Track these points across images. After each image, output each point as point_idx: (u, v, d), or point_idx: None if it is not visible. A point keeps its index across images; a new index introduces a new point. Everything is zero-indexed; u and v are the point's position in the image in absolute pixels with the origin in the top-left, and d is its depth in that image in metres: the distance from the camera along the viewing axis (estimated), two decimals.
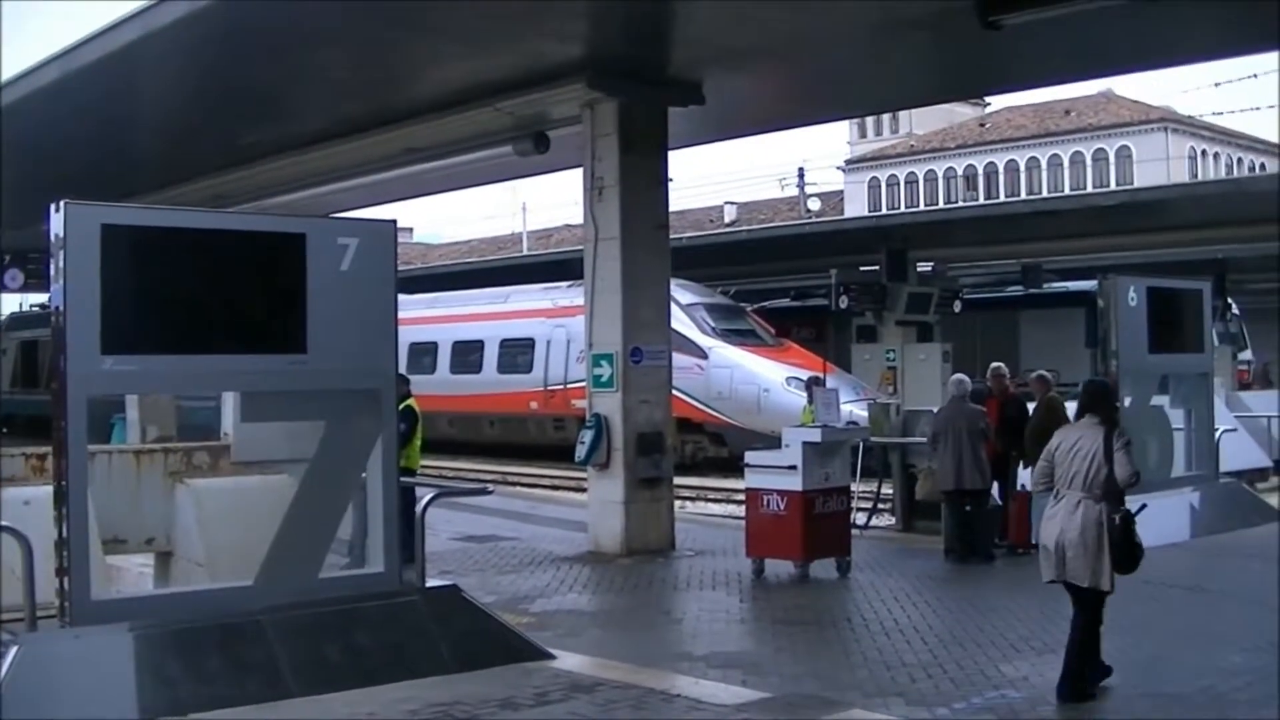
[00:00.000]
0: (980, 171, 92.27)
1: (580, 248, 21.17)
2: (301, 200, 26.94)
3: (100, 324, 10.15)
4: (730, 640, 13.15)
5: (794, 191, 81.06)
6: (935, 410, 18.89)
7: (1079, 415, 11.12)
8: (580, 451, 18.81)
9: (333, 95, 21.76)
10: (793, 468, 16.10)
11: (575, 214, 26.49)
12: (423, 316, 40.45)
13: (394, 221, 12.13)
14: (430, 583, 12.38)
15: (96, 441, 12.45)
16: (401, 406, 17.22)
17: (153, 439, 27.86)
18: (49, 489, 10.84)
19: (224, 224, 12.18)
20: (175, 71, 20.93)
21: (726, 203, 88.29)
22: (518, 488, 31.51)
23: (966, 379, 18.19)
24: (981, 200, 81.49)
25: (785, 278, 44.38)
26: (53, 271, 10.25)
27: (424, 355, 40.98)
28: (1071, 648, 10.57)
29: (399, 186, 27.88)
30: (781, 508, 16.10)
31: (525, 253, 72.88)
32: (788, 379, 33.49)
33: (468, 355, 41.86)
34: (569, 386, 36.77)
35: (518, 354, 40.13)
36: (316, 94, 21.89)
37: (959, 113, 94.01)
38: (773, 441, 18.48)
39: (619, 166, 18.82)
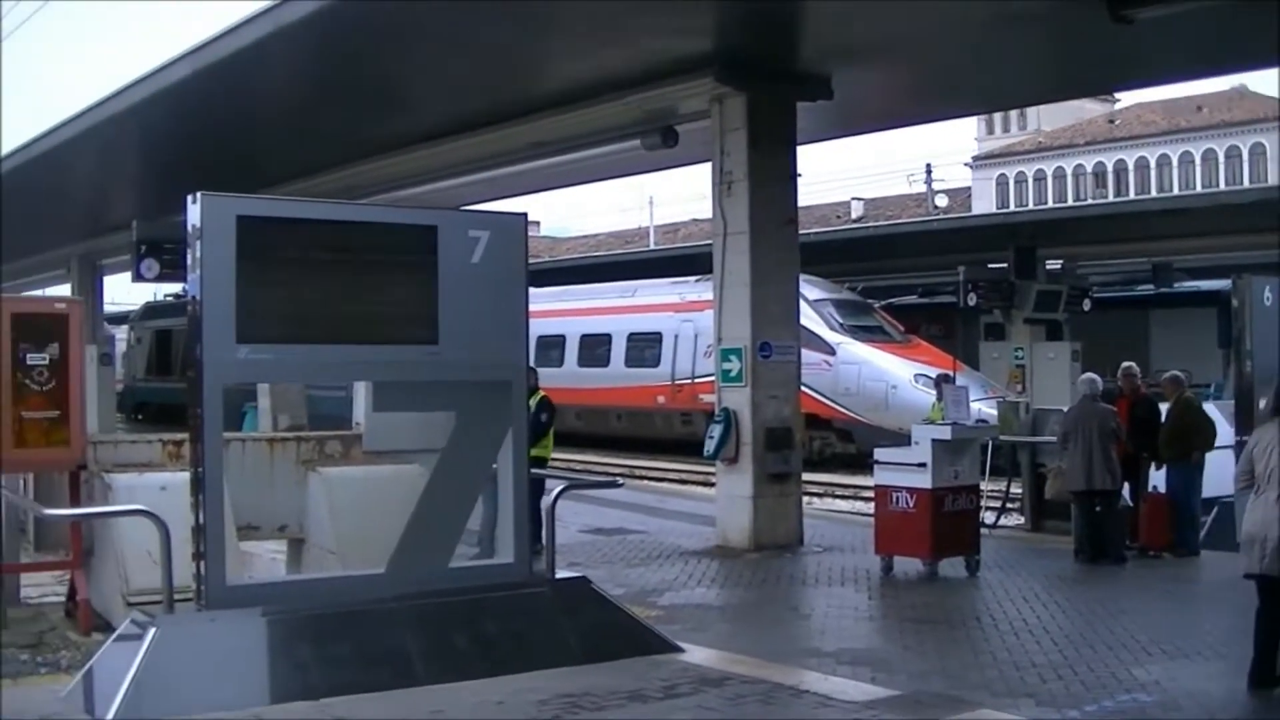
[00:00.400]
0: (1110, 168, 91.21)
1: (708, 242, 21.15)
2: (430, 193, 27.10)
3: (235, 313, 10.25)
4: (859, 637, 13.08)
5: (922, 188, 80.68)
6: (1065, 409, 18.65)
7: (1273, 414, 11.10)
8: (709, 446, 18.77)
9: (460, 90, 21.90)
10: (922, 465, 15.98)
11: (702, 208, 26.62)
12: (551, 310, 40.58)
13: (525, 215, 12.14)
14: (559, 574, 12.39)
15: (229, 429, 12.58)
16: (539, 398, 17.33)
17: (284, 427, 28.27)
18: (185, 475, 11.01)
19: (357, 216, 12.24)
20: (303, 67, 21.16)
21: (853, 198, 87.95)
22: (644, 481, 31.56)
23: (1098, 378, 17.96)
24: (1111, 198, 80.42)
25: (912, 274, 44.11)
26: (189, 262, 10.35)
27: (552, 348, 41.15)
28: (1261, 637, 10.51)
29: (526, 180, 27.99)
30: (910, 505, 15.99)
31: (652, 247, 72.93)
32: (916, 376, 33.32)
33: (595, 349, 42.02)
34: (696, 381, 36.81)
35: (645, 348, 40.23)
36: (443, 89, 22.06)
37: (1088, 109, 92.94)
38: (900, 439, 18.37)
39: (748, 161, 18.74)
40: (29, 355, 12.81)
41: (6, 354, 12.72)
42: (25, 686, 11.10)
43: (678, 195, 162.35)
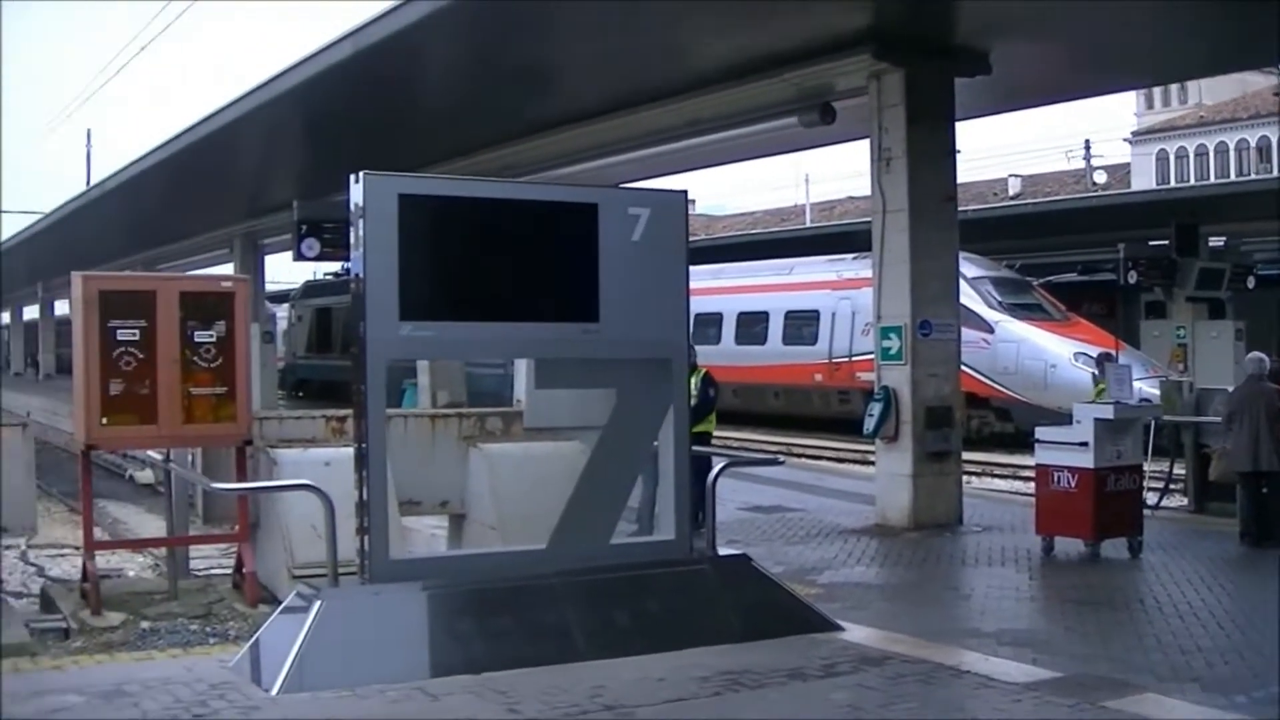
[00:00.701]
0: (1274, 143, 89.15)
1: (864, 219, 21.07)
2: (585, 172, 27.16)
3: (398, 291, 10.35)
4: (1020, 618, 12.96)
5: (1080, 164, 79.58)
6: (1229, 389, 18.31)
7: None
8: (869, 424, 18.69)
9: (615, 68, 21.94)
10: (1084, 444, 15.76)
11: (858, 186, 26.47)
12: (707, 287, 40.56)
13: (685, 192, 12.12)
14: (720, 552, 12.39)
15: (389, 406, 12.76)
16: (702, 375, 17.35)
17: (443, 404, 28.59)
18: (349, 451, 11.16)
19: (518, 194, 12.31)
20: (461, 47, 21.31)
21: (1010, 175, 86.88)
22: (802, 459, 31.48)
23: (1265, 357, 17.60)
24: (1276, 173, 78.73)
25: (1071, 252, 43.60)
26: (352, 240, 10.47)
27: (709, 326, 41.19)
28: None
29: (682, 158, 27.92)
30: (1072, 485, 15.79)
31: (809, 225, 72.64)
32: (1075, 354, 32.92)
33: (752, 327, 42.01)
34: (854, 359, 36.71)
35: (802, 326, 40.15)
36: (599, 67, 22.09)
37: (1251, 82, 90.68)
38: (1059, 418, 18.16)
39: (906, 138, 18.59)
40: (197, 333, 13.06)
41: (176, 332, 12.98)
42: (195, 656, 11.34)
43: (833, 172, 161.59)
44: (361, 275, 10.31)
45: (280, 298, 63.71)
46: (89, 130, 71.99)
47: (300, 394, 55.78)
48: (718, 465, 12.93)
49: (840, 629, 11.63)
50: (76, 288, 13.00)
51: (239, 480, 13.50)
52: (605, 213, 11.29)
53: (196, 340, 13.03)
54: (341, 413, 14.22)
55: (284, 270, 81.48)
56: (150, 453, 15.13)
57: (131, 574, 18.70)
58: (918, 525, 18.00)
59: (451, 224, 10.82)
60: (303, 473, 12.58)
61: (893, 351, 18.55)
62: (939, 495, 18.53)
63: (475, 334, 11.18)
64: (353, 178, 10.37)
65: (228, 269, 46.94)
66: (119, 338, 12.81)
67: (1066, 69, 22.50)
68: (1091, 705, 9.48)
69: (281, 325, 57.38)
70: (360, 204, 10.31)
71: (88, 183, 63.47)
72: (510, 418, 14.64)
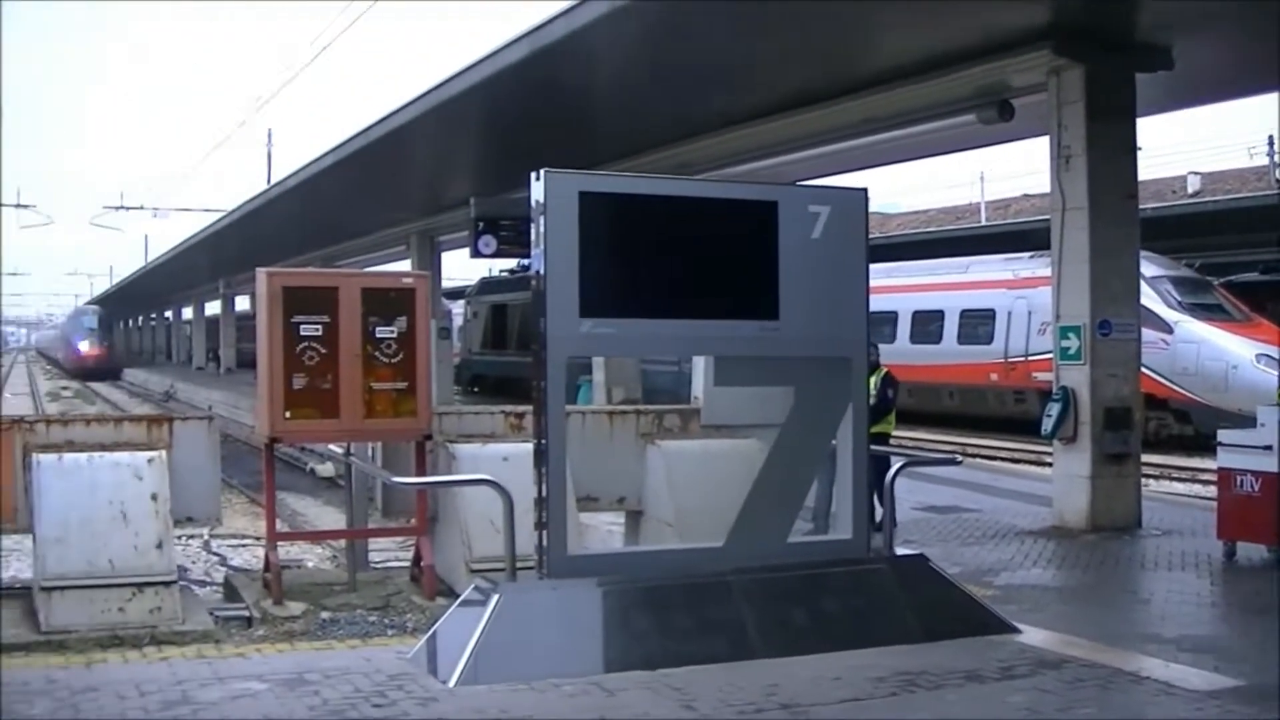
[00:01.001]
0: None
1: (1041, 217, 20.79)
2: (760, 170, 27.09)
3: (579, 288, 10.40)
4: (1200, 624, 12.73)
5: (1263, 160, 77.89)
6: None
7: None
8: (1047, 424, 18.47)
9: (792, 66, 21.87)
10: (1268, 448, 15.42)
11: (1033, 183, 26.19)
12: (882, 286, 40.23)
13: (865, 190, 12.05)
14: (896, 551, 12.32)
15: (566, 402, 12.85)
16: (882, 374, 17.27)
17: (617, 400, 28.74)
18: (527, 446, 11.24)
19: (697, 191, 12.33)
20: (636, 45, 21.36)
21: (1190, 172, 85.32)
22: (976, 459, 31.20)
23: None
24: None
25: (1253, 251, 42.67)
26: (533, 237, 10.53)
27: (883, 325, 40.92)
28: None
29: (857, 156, 27.72)
30: (1255, 489, 15.43)
31: (984, 223, 71.92)
32: (1258, 356, 32.31)
33: (927, 325, 41.70)
34: (1030, 359, 36.30)
35: (978, 325, 39.80)
36: (774, 65, 22.04)
37: None
38: (1241, 421, 17.82)
39: (1086, 135, 18.32)
40: (378, 328, 13.23)
41: (358, 327, 13.16)
42: (373, 647, 11.51)
43: (1008, 170, 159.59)
44: (542, 272, 10.37)
45: (456, 294, 64.40)
46: (269, 130, 73.50)
47: (475, 389, 56.30)
48: (896, 464, 12.87)
49: (1017, 631, 11.50)
50: (261, 284, 13.22)
51: (418, 474, 13.66)
52: (785, 210, 11.26)
53: (378, 336, 13.20)
54: (520, 408, 14.33)
55: (458, 267, 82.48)
56: (331, 446, 15.37)
57: (310, 565, 19.04)
58: (1095, 528, 17.74)
59: (631, 221, 10.84)
60: (481, 468, 12.73)
61: (1071, 351, 18.31)
62: (1117, 498, 18.25)
63: (655, 331, 11.19)
64: (533, 175, 10.43)
65: (404, 266, 47.56)
66: (302, 333, 13.02)
67: (1251, 64, 22.02)
68: (1277, 717, 9.29)
69: (457, 321, 58.01)
70: (541, 201, 10.36)
71: (268, 181, 64.60)
72: (688, 415, 14.65)
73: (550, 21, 20.30)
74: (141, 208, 78.33)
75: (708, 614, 10.75)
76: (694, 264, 11.12)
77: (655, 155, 28.04)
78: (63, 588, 12.25)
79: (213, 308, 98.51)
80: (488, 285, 60.17)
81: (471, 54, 23.62)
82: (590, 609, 10.48)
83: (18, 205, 78.35)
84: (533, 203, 10.46)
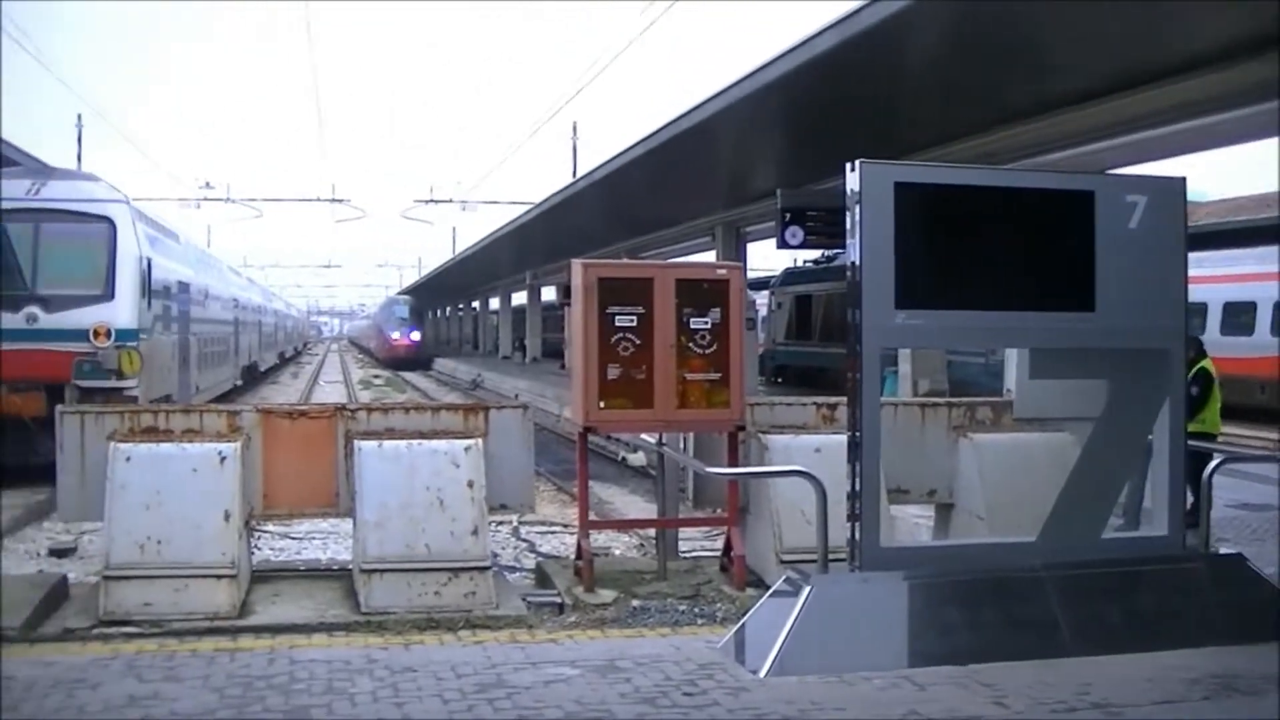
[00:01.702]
0: None
1: None
2: (1069, 158, 26.63)
3: (894, 279, 10.34)
4: None
5: None
6: None
7: None
8: None
9: (1102, 51, 21.42)
10: None
11: None
12: (1191, 276, 39.18)
13: (1183, 179, 11.73)
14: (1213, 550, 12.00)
15: None
16: (1196, 369, 16.83)
17: (923, 392, 28.51)
18: (839, 438, 11.25)
19: (1012, 181, 12.15)
20: (947, 32, 21.16)
21: None
22: None
23: None
24: None
25: None
26: (847, 228, 10.50)
27: (1193, 316, 39.81)
28: None
29: (1170, 143, 27.07)
30: None
31: None
32: None
33: (1238, 317, 40.45)
34: None
35: None
36: (1085, 50, 21.59)
37: None
38: None
39: None
40: (692, 319, 13.30)
41: (672, 318, 13.27)
42: (683, 635, 11.60)
43: None
44: (857, 263, 10.35)
45: (759, 285, 64.50)
46: (574, 123, 74.63)
47: (779, 380, 56.33)
48: (1214, 460, 12.53)
49: None
50: (577, 275, 13.39)
51: (730, 465, 13.72)
52: (1102, 200, 11.03)
53: (692, 326, 13.28)
54: (833, 400, 14.31)
55: (760, 257, 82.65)
56: (643, 436, 15.50)
57: (617, 552, 19.23)
58: None
59: (946, 211, 10.73)
60: (793, 459, 12.74)
61: None
62: None
63: (969, 323, 11.07)
64: (849, 166, 10.40)
65: (709, 257, 47.79)
66: (617, 323, 13.17)
67: None
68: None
69: (761, 312, 58.10)
70: (856, 191, 10.33)
71: (573, 174, 65.56)
72: (1000, 408, 14.46)
73: (860, 10, 20.24)
74: (450, 201, 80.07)
75: (1018, 609, 10.63)
76: (1008, 255, 10.98)
77: (962, 145, 27.78)
78: (381, 570, 12.59)
79: (518, 298, 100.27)
80: (792, 276, 60.17)
81: (778, 44, 23.69)
82: (900, 602, 10.45)
83: (333, 200, 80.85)
84: (847, 192, 10.43)
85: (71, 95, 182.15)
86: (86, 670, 10.12)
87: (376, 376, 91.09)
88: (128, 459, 12.65)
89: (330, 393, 68.50)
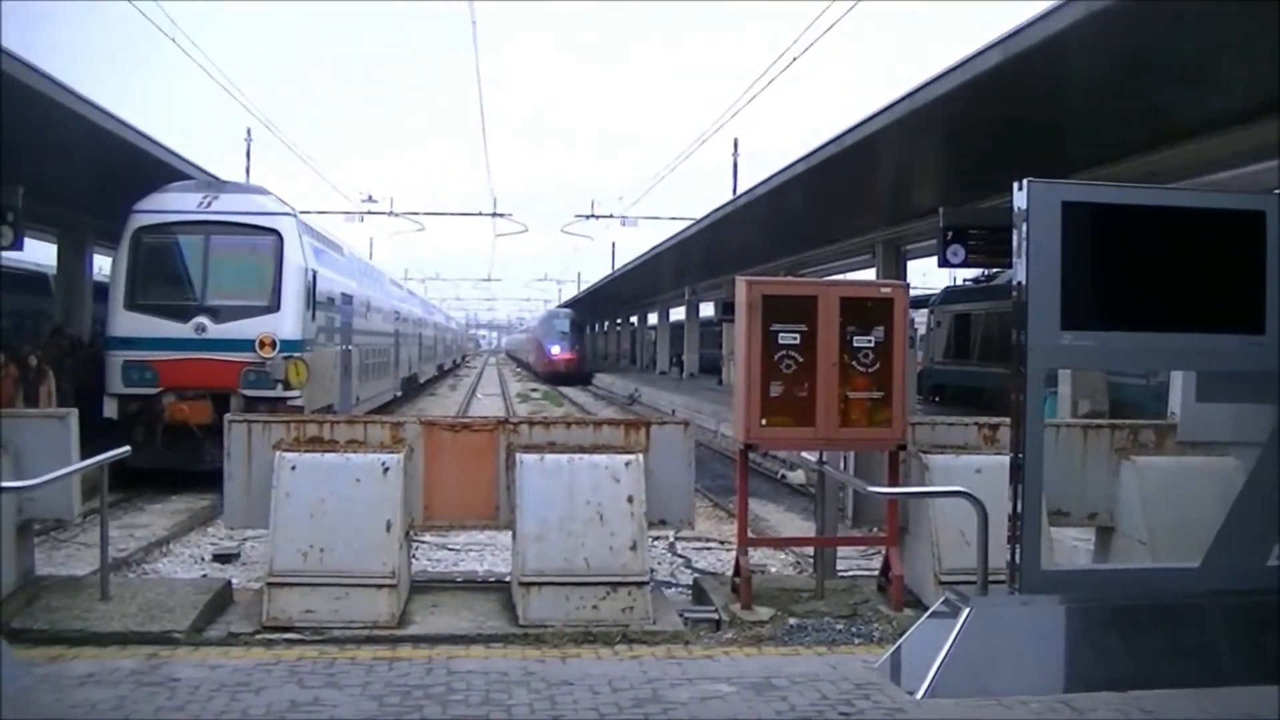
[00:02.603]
0: None
1: None
2: (1233, 178, 26.19)
3: (1060, 299, 10.25)
4: None
5: None
6: None
7: None
8: None
9: (1269, 67, 21.03)
10: None
11: None
12: None
13: None
14: None
15: None
16: None
17: (1083, 413, 28.15)
18: (1000, 459, 11.19)
19: (1180, 201, 11.95)
20: (1108, 50, 20.92)
21: None
22: None
23: None
24: None
25: None
26: (1014, 247, 10.41)
27: None
28: None
29: None
30: None
31: None
32: None
33: None
34: None
35: None
36: (1250, 67, 21.22)
37: None
38: None
39: None
40: (855, 337, 13.26)
41: (835, 336, 13.23)
42: (839, 654, 11.58)
43: None
44: (1023, 283, 10.27)
45: (917, 303, 64.12)
46: (735, 139, 74.56)
47: (936, 399, 55.97)
48: None
49: None
50: (741, 292, 13.38)
51: (890, 484, 13.66)
52: (1273, 220, 10.83)
53: (855, 345, 13.24)
54: (994, 420, 14.20)
55: (917, 275, 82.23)
56: (803, 454, 15.49)
57: (773, 570, 19.24)
58: None
59: (1113, 231, 10.62)
60: (954, 479, 12.65)
61: None
62: None
63: (1135, 345, 10.91)
64: (1015, 185, 10.33)
65: (868, 274, 47.66)
66: (780, 341, 13.16)
67: None
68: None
69: (919, 330, 57.77)
70: (1023, 210, 10.26)
71: (733, 191, 65.61)
72: (1163, 430, 14.27)
73: (1024, 28, 20.09)
74: (610, 216, 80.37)
75: (1180, 636, 10.50)
76: (1175, 275, 10.84)
77: (1124, 164, 27.43)
78: (540, 583, 12.65)
79: (676, 313, 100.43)
80: (952, 294, 59.81)
81: (940, 62, 23.58)
82: (1059, 626, 10.38)
83: (495, 214, 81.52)
84: (1014, 211, 10.37)
85: (240, 109, 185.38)
86: (250, 674, 10.34)
87: (534, 390, 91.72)
88: (293, 468, 12.86)
89: (488, 405, 69.14)
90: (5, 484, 12.20)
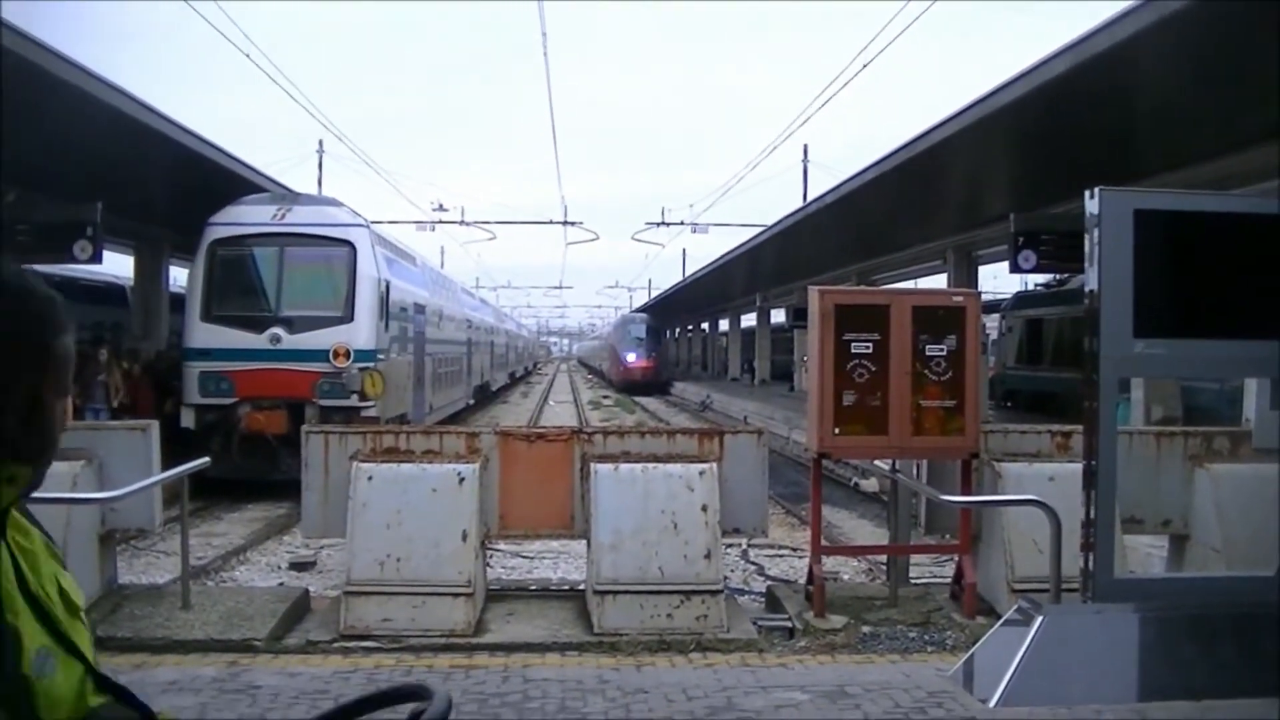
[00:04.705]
0: None
1: None
2: None
3: (1133, 307, 10.25)
4: None
5: None
6: None
7: None
8: None
9: None
10: None
11: None
12: None
13: None
14: None
15: None
16: None
17: (1156, 419, 27.99)
18: (1073, 466, 11.18)
19: (1251, 207, 11.90)
20: (1181, 55, 20.79)
21: None
22: None
23: None
24: None
25: None
26: (1086, 254, 10.41)
27: None
28: None
29: None
30: None
31: None
32: None
33: None
34: None
35: None
36: None
37: None
38: None
39: None
40: (928, 346, 13.29)
41: (908, 345, 13.27)
42: (912, 662, 11.61)
43: None
44: (1096, 290, 10.27)
45: (989, 308, 63.81)
46: (805, 145, 74.28)
47: (1008, 405, 55.65)
48: None
49: None
50: (814, 301, 13.42)
51: (964, 492, 13.68)
52: None
53: (927, 354, 13.27)
54: (1067, 428, 14.18)
55: (988, 280, 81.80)
56: (876, 462, 15.53)
57: (845, 578, 19.24)
58: None
59: (1185, 238, 10.60)
60: (1027, 487, 12.69)
61: None
62: None
63: (1208, 352, 10.90)
64: (1088, 193, 10.34)
65: (939, 280, 47.50)
66: (853, 350, 13.22)
67: None
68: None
69: (991, 336, 57.49)
70: (1095, 216, 10.26)
71: (804, 197, 65.49)
72: (1238, 437, 14.21)
73: (1094, 34, 20.02)
74: (681, 223, 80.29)
75: (1255, 645, 10.41)
76: (1247, 282, 10.79)
77: (1193, 170, 27.23)
78: (615, 592, 12.76)
79: (747, 320, 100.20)
80: (1023, 300, 59.48)
81: (1010, 69, 23.51)
82: (1132, 634, 10.37)
83: (566, 222, 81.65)
84: (1086, 218, 10.37)
85: (311, 120, 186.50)
86: (329, 682, 10.48)
87: (605, 397, 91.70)
88: (370, 478, 13.01)
89: (560, 413, 69.24)
90: (92, 495, 12.40)
